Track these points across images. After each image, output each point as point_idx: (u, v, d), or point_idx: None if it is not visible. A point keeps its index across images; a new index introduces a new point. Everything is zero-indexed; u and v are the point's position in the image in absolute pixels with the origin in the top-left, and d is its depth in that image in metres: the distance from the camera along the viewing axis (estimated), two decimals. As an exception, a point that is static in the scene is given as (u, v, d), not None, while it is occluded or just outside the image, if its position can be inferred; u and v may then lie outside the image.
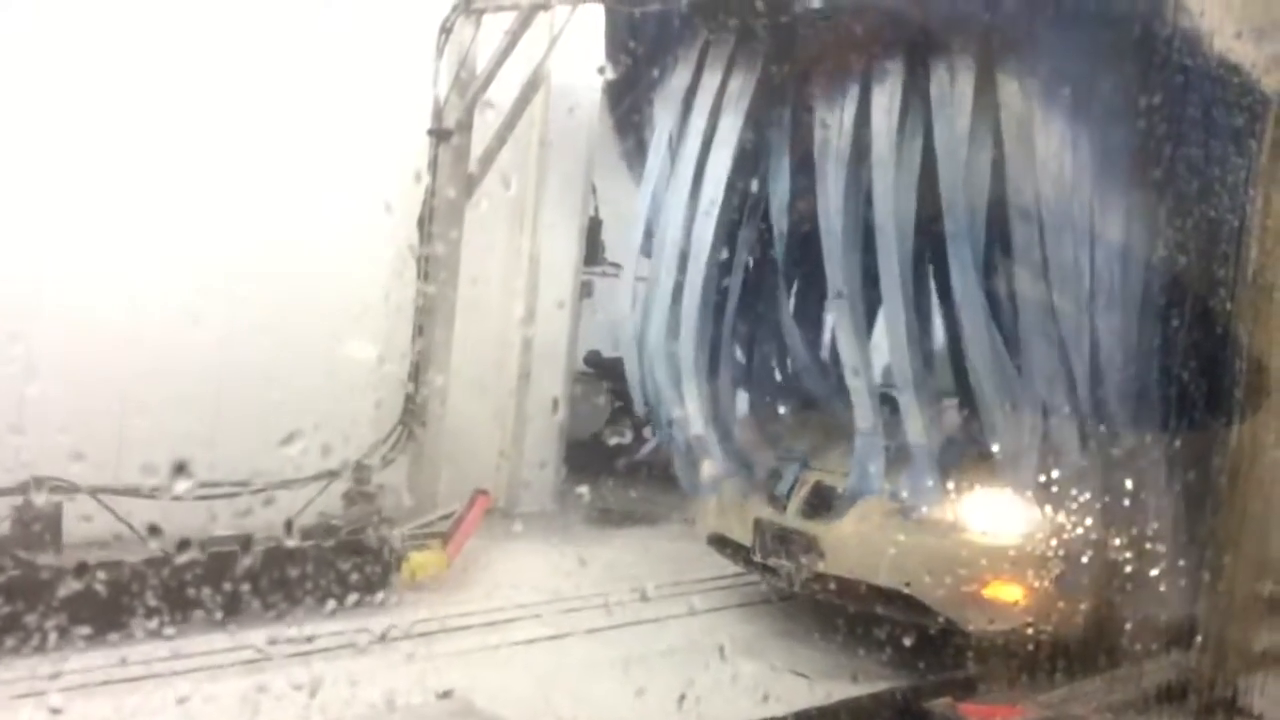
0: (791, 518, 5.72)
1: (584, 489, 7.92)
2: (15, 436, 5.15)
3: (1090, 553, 5.16)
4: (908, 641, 5.14)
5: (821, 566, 5.52)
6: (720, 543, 6.30)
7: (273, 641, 5.08)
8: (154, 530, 5.10)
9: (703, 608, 6.23)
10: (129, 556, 5.15)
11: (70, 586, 4.90)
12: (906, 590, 5.27)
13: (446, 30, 6.88)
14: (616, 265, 7.79)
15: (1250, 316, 4.68)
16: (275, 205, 6.27)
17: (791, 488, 5.80)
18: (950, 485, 5.31)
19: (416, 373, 6.98)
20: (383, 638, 5.32)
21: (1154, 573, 5.27)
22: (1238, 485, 4.78)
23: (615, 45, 6.50)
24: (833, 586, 5.52)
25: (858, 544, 5.48)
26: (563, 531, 7.43)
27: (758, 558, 5.89)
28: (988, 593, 5.17)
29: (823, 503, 5.67)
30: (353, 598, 5.68)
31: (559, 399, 8.11)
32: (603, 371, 9.13)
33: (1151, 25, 4.84)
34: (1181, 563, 5.21)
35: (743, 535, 6.00)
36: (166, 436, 5.69)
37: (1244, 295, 4.68)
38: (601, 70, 6.66)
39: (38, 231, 5.61)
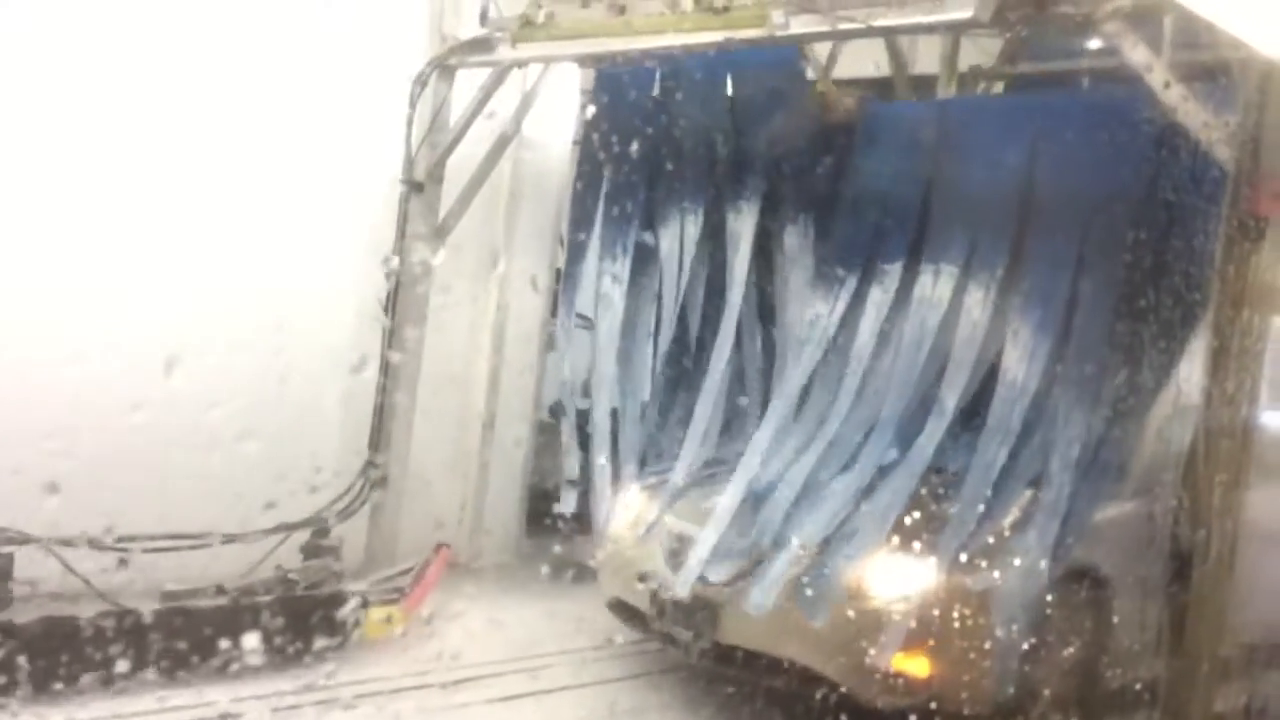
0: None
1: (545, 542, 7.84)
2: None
3: (1012, 629, 4.93)
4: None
5: (720, 636, 5.28)
6: (620, 608, 5.97)
7: (223, 700, 5.00)
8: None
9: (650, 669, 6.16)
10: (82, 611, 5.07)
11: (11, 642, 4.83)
12: (806, 661, 5.04)
13: (420, 83, 6.93)
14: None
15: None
16: (240, 255, 6.24)
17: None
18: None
19: (379, 423, 6.93)
20: (337, 696, 5.26)
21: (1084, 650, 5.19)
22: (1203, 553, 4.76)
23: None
24: (732, 657, 5.28)
25: (757, 613, 5.16)
26: (523, 585, 7.35)
27: (656, 625, 5.61)
28: (894, 665, 4.86)
29: None
30: (308, 654, 5.61)
31: (524, 450, 8.07)
32: (567, 422, 9.05)
33: None
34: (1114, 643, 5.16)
35: (642, 601, 5.69)
36: (110, 488, 5.57)
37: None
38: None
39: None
